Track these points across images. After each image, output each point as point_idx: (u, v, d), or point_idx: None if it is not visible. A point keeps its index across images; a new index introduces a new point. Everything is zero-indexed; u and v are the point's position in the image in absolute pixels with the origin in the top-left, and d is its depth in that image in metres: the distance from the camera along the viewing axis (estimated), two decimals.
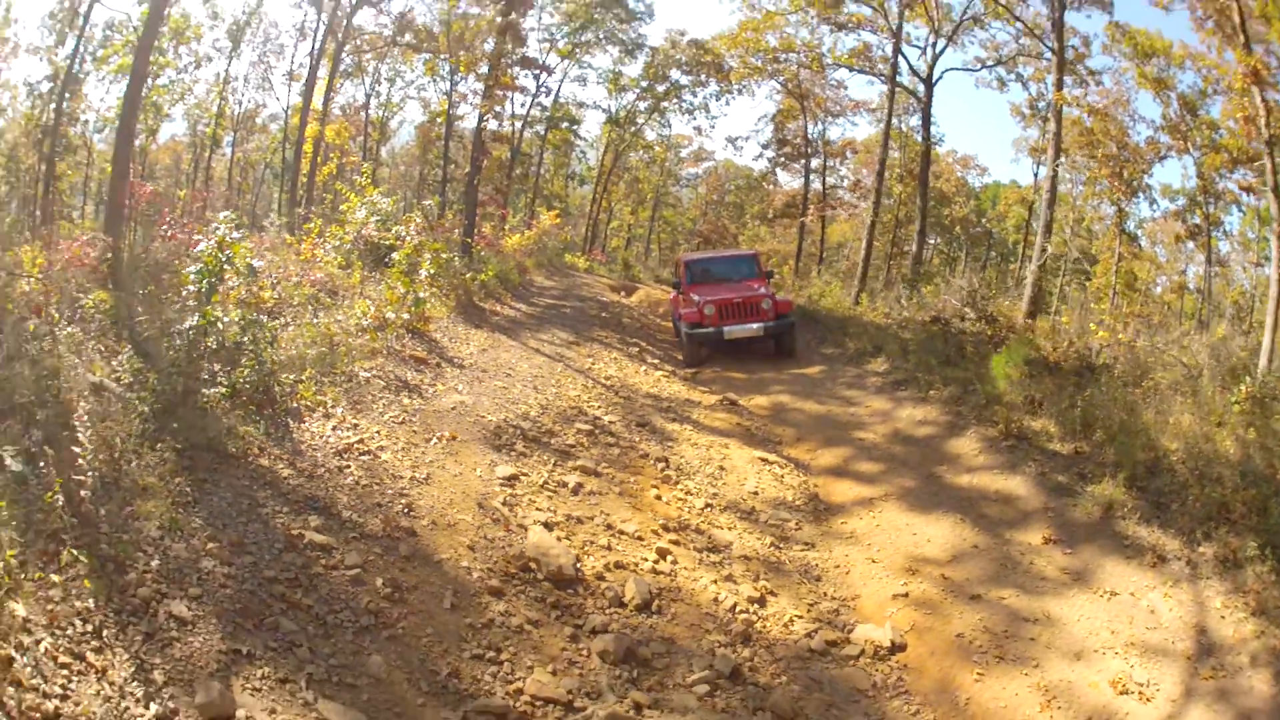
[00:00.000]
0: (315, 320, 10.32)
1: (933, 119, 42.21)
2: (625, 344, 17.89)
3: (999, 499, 10.03)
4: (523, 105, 38.06)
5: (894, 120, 37.69)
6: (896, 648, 7.39)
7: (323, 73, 31.47)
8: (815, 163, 41.88)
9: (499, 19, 24.43)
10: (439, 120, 38.85)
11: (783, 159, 43.64)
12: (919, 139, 32.22)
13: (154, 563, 4.95)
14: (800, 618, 7.34)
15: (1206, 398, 11.45)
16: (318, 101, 32.69)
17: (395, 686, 4.95)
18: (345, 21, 31.02)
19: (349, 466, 7.28)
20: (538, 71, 36.92)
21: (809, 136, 41.16)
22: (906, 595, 8.03)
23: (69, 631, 4.21)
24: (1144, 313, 31.27)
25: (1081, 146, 33.05)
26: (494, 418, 9.79)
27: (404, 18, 33.85)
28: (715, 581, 7.55)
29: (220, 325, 7.51)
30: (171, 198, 21.79)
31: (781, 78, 36.23)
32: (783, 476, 10.82)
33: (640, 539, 7.96)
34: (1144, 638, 7.42)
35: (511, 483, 8.19)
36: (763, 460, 11.20)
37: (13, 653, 3.94)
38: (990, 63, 28.96)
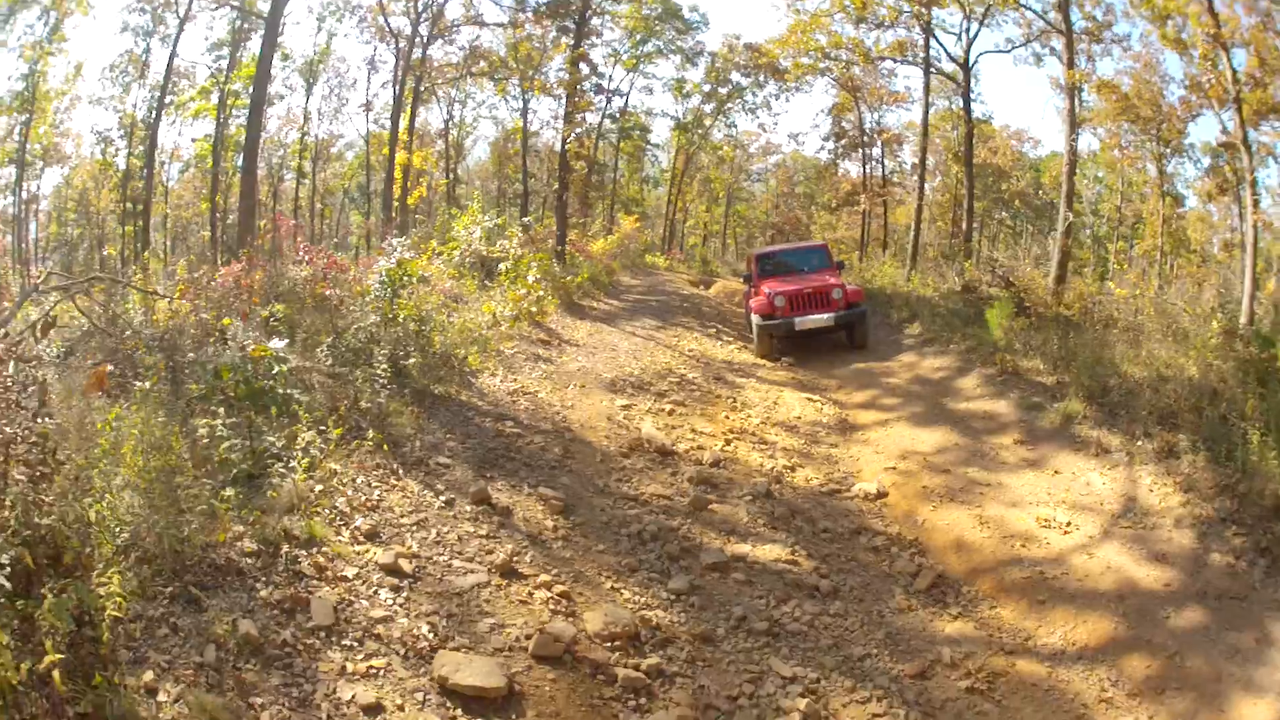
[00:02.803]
0: (452, 319, 13.84)
1: (977, 98, 44.49)
2: (704, 327, 21.62)
3: (985, 416, 13.27)
4: (596, 116, 40.69)
5: (945, 103, 40.77)
6: (880, 494, 10.88)
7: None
8: (876, 150, 44.66)
9: (569, 50, 28.08)
10: (515, 138, 42.58)
11: (842, 150, 46.07)
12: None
13: (417, 443, 9.11)
14: (816, 479, 11.27)
15: (1192, 335, 13.84)
16: (402, 130, 35.89)
17: (575, 488, 9.24)
18: (420, 55, 34.64)
19: (519, 401, 11.65)
20: (608, 95, 39.91)
21: (864, 127, 43.80)
22: (894, 469, 11.68)
23: (373, 474, 8.10)
24: (1202, 273, 33.25)
25: (1121, 112, 33.82)
26: (608, 375, 14.09)
27: (474, 49, 37.20)
28: (762, 457, 11.66)
29: (401, 319, 11.39)
30: (303, 228, 25.40)
31: (834, 74, 38.47)
32: (821, 408, 14.68)
33: (713, 436, 12.17)
34: (1075, 499, 10.03)
35: (627, 409, 12.50)
36: (808, 399, 15.11)
37: (336, 484, 7.47)
38: (1021, 41, 30.08)
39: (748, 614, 7.37)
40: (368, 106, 42.29)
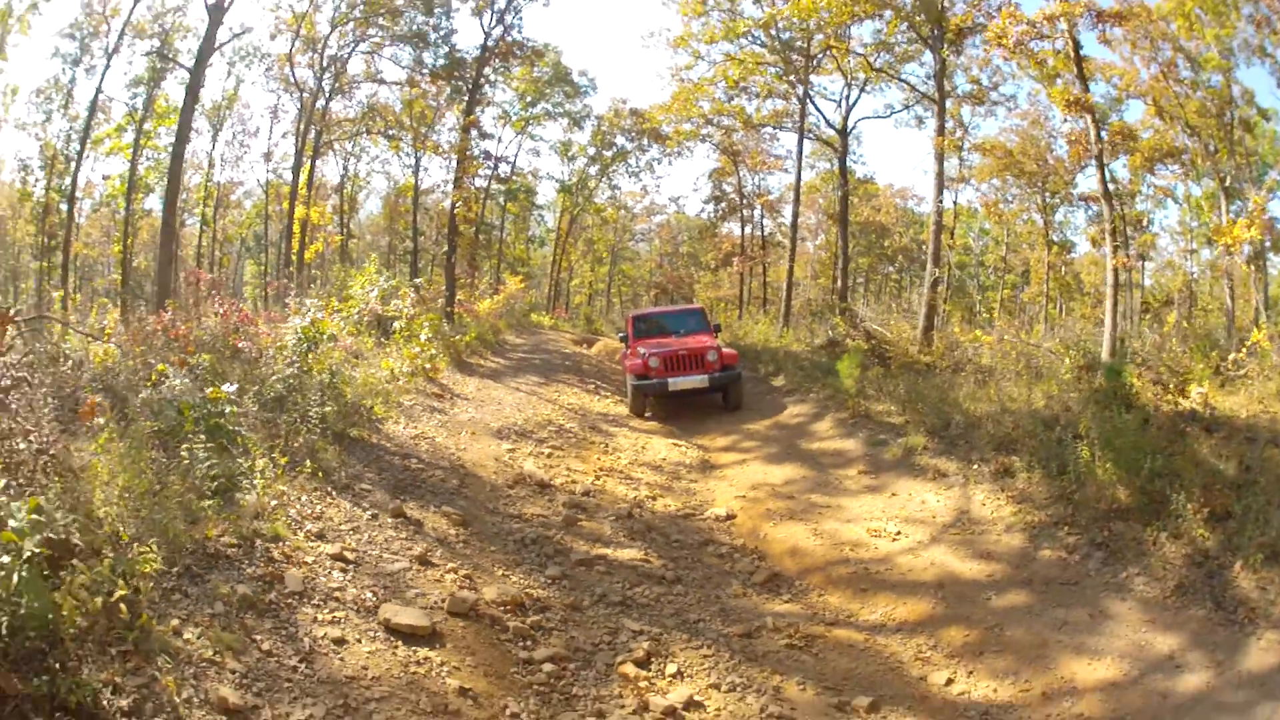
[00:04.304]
0: (355, 374, 15.49)
1: (858, 160, 47.71)
2: (584, 383, 24.09)
3: (834, 454, 15.76)
4: (484, 179, 42.56)
5: (827, 164, 43.65)
6: (729, 517, 13.11)
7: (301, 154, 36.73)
8: (757, 212, 47.59)
9: (462, 114, 30.42)
10: (406, 195, 44.73)
11: (722, 212, 49.43)
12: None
13: (342, 473, 11.31)
14: (674, 505, 13.71)
15: (1047, 372, 16.01)
16: (301, 184, 37.62)
17: (470, 509, 11.63)
18: (323, 107, 36.91)
19: (420, 444, 14.00)
20: (496, 161, 41.52)
21: (744, 190, 46.94)
22: (744, 497, 14.10)
23: (313, 494, 10.23)
24: (1098, 314, 35.79)
25: (1004, 168, 37.69)
26: (495, 424, 16.53)
27: (372, 105, 39.73)
28: (627, 489, 14.17)
29: (315, 372, 13.33)
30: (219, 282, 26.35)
31: (714, 140, 41.32)
32: (686, 451, 17.28)
33: (585, 473, 14.66)
34: (909, 514, 12.16)
35: (511, 451, 14.92)
36: (674, 444, 17.72)
37: (286, 500, 9.70)
38: (900, 108, 33.76)
39: (607, 592, 9.91)
40: (268, 155, 43.94)
